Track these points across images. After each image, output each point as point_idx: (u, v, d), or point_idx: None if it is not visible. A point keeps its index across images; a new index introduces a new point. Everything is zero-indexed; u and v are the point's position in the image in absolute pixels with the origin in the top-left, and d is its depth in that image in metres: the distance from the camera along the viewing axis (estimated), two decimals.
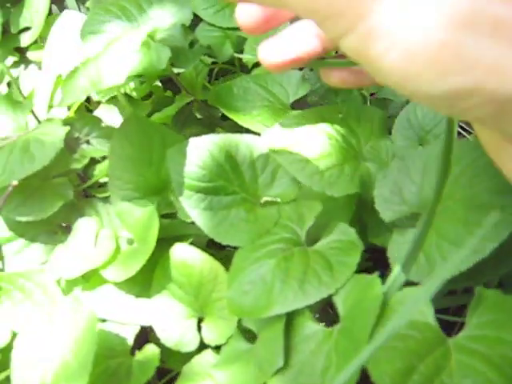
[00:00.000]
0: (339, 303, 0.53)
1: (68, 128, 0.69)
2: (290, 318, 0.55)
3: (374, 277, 0.52)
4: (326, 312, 0.63)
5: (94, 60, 0.66)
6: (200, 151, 0.61)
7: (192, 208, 0.61)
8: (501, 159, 0.36)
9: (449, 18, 0.26)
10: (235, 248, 0.60)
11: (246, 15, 0.38)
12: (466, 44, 0.26)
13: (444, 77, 0.27)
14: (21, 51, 1.01)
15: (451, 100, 0.28)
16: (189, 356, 0.63)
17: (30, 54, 0.96)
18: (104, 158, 0.78)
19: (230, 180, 0.61)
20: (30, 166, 0.65)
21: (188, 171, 0.61)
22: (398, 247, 0.55)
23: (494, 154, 0.36)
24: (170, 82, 0.92)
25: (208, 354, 0.63)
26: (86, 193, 0.76)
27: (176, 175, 0.61)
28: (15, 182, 0.64)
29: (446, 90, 0.28)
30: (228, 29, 0.90)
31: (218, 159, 0.61)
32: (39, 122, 0.76)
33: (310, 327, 0.54)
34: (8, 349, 0.62)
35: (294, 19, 0.40)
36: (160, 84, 0.91)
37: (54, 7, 1.02)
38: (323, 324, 0.54)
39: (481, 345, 0.46)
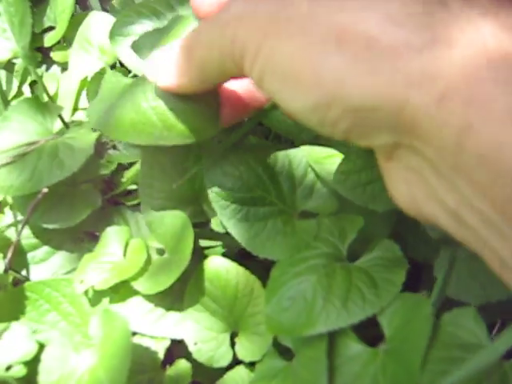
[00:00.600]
0: (384, 322, 0.51)
1: (98, 133, 0.67)
2: (332, 337, 0.53)
3: (423, 296, 0.50)
4: (367, 330, 0.61)
5: None
6: (237, 160, 0.59)
7: (227, 219, 0.59)
8: (390, 181, 0.37)
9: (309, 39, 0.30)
10: (266, 259, 0.58)
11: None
12: (319, 60, 0.30)
13: (305, 93, 0.31)
14: (43, 51, 0.99)
15: (316, 114, 0.31)
16: (221, 372, 0.62)
17: (53, 55, 0.94)
18: (131, 164, 0.76)
19: (268, 190, 0.59)
20: (59, 172, 0.63)
21: (224, 181, 0.59)
22: (444, 264, 0.53)
23: (386, 178, 0.38)
24: None
25: (241, 369, 0.61)
26: (114, 200, 0.74)
27: (211, 185, 0.59)
28: (45, 190, 0.62)
29: (308, 105, 0.31)
30: None
31: (255, 169, 0.59)
32: (65, 124, 0.74)
33: (354, 348, 0.52)
34: (35, 361, 0.60)
35: None
36: None
37: (77, 7, 1.00)
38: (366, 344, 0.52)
39: None
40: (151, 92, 0.50)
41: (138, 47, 0.62)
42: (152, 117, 0.50)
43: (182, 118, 0.50)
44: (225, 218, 0.59)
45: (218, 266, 0.61)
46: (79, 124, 0.71)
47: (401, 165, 0.35)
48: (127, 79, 0.57)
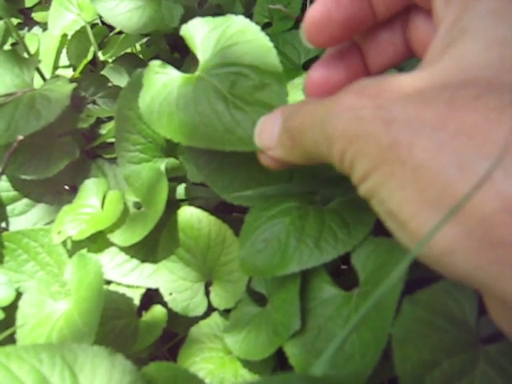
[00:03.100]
0: (359, 266, 0.52)
1: (74, 85, 0.67)
2: (306, 280, 0.54)
3: (396, 241, 0.51)
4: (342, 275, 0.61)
5: None
6: None
7: (201, 168, 0.59)
8: (495, 315, 0.33)
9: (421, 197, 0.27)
10: (244, 213, 0.59)
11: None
12: (427, 222, 0.27)
13: (411, 242, 0.30)
14: (24, 13, 0.98)
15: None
16: (196, 321, 0.62)
17: (34, 15, 0.94)
18: (110, 118, 0.76)
19: None
20: (35, 122, 0.64)
21: None
22: None
23: (491, 311, 0.33)
24: (176, 45, 0.90)
25: (216, 316, 0.62)
26: (93, 153, 0.74)
27: None
28: (21, 137, 0.62)
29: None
30: None
31: None
32: (43, 79, 0.74)
33: (328, 290, 0.52)
34: (12, 308, 0.61)
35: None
36: (167, 46, 0.89)
37: None
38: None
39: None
40: (214, 97, 0.51)
41: None
42: (214, 120, 0.51)
43: (243, 125, 0.51)
44: (199, 168, 0.59)
45: (191, 215, 0.62)
46: (57, 77, 0.71)
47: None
48: (177, 76, 0.56)
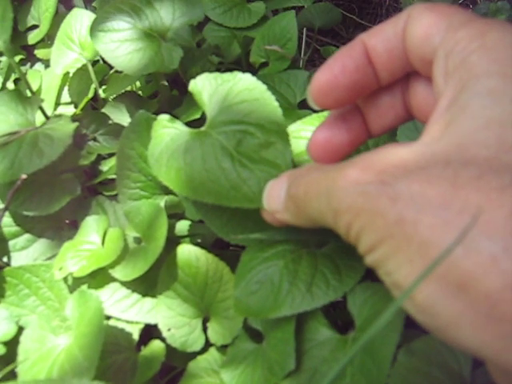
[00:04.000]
0: (354, 311, 0.53)
1: (77, 124, 0.69)
2: (303, 321, 0.55)
3: None
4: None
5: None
6: None
7: (200, 207, 0.61)
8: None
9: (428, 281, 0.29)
10: (242, 248, 0.60)
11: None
12: (434, 302, 0.29)
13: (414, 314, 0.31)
14: (27, 50, 1.01)
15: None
16: (194, 356, 0.64)
17: (37, 52, 0.96)
18: (111, 154, 0.78)
19: None
20: (38, 161, 0.65)
21: None
22: None
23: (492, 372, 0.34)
24: (176, 81, 0.92)
25: (213, 352, 0.63)
26: (93, 190, 0.76)
27: None
28: (24, 176, 0.64)
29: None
30: (235, 29, 0.90)
31: None
32: (46, 117, 0.76)
33: (324, 333, 0.54)
34: (14, 343, 0.62)
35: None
36: (166, 83, 0.91)
37: (61, 7, 1.02)
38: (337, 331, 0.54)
39: None
40: (220, 154, 0.53)
41: None
42: (221, 177, 0.53)
43: (248, 183, 0.52)
44: (197, 207, 0.61)
45: (189, 253, 0.63)
46: (60, 116, 0.73)
47: None
48: (185, 131, 0.58)
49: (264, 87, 0.56)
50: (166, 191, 0.68)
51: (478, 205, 0.27)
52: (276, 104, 0.54)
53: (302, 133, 0.63)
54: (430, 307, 0.29)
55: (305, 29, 1.00)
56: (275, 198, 0.45)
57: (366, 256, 0.33)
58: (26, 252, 0.73)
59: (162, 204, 0.65)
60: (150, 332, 0.67)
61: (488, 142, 0.29)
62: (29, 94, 0.79)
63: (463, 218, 0.27)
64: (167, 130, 0.58)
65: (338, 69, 0.41)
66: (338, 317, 0.63)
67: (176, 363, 0.67)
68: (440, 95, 0.35)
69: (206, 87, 0.58)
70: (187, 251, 0.63)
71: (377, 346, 0.49)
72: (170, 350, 0.64)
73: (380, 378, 0.47)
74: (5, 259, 0.73)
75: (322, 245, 0.57)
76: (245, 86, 0.56)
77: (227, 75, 0.58)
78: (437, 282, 0.28)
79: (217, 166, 0.53)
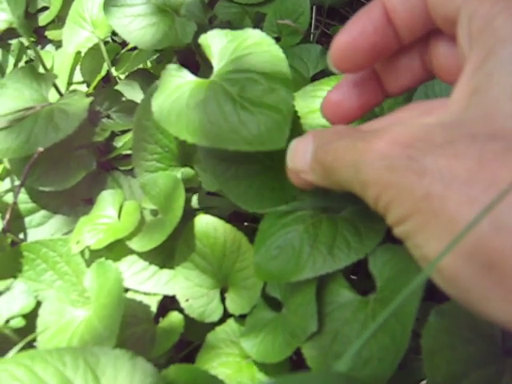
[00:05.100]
0: (376, 273, 0.53)
1: (91, 98, 0.69)
2: (323, 285, 0.55)
3: None
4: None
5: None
6: None
7: (217, 176, 0.61)
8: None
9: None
10: (256, 223, 0.60)
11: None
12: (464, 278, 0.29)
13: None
14: (37, 32, 1.01)
15: None
16: (212, 327, 0.63)
17: (47, 34, 0.96)
18: (124, 132, 0.78)
19: None
20: (54, 135, 0.66)
21: None
22: None
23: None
24: (187, 61, 0.92)
25: (232, 322, 0.63)
26: (108, 166, 0.76)
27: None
28: (41, 149, 0.64)
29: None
30: (247, 5, 0.90)
31: None
32: (60, 94, 0.76)
33: (345, 295, 0.54)
34: (32, 317, 0.62)
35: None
36: (177, 63, 0.91)
37: None
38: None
39: None
40: (223, 98, 0.54)
41: None
42: (220, 120, 0.53)
43: (248, 126, 0.52)
44: (215, 176, 0.61)
45: (207, 223, 0.63)
46: (74, 91, 0.73)
47: None
48: (191, 79, 0.58)
49: (272, 41, 0.56)
50: (183, 163, 0.68)
51: (505, 180, 0.27)
52: (283, 56, 0.55)
53: (318, 92, 0.63)
54: (459, 282, 0.29)
55: (314, 7, 0.99)
56: (300, 158, 0.44)
57: (395, 228, 0.33)
58: (42, 228, 0.73)
59: (179, 175, 0.65)
60: (168, 304, 0.67)
61: None
62: (43, 71, 0.79)
63: (490, 194, 0.27)
64: (174, 79, 0.58)
65: (357, 31, 0.41)
66: (358, 279, 0.63)
67: (193, 337, 0.67)
68: (465, 59, 0.35)
69: (216, 42, 0.58)
70: (205, 221, 0.63)
71: (400, 305, 0.49)
72: (187, 322, 0.63)
73: (404, 335, 0.47)
74: (21, 236, 0.73)
75: (341, 209, 0.57)
76: (254, 41, 0.57)
77: (238, 32, 0.58)
78: (465, 258, 0.28)
79: (218, 109, 0.53)
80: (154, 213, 0.67)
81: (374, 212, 0.57)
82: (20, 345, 0.57)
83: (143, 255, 0.65)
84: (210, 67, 0.59)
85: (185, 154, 0.67)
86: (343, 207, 0.57)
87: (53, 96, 0.76)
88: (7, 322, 0.61)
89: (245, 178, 0.61)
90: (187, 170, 0.67)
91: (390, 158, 0.32)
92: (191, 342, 0.68)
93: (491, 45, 0.32)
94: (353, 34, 0.41)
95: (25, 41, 0.97)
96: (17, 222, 0.73)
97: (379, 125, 0.43)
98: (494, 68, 0.31)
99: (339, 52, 0.42)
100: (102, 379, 0.47)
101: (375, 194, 0.33)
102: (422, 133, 0.31)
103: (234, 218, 0.70)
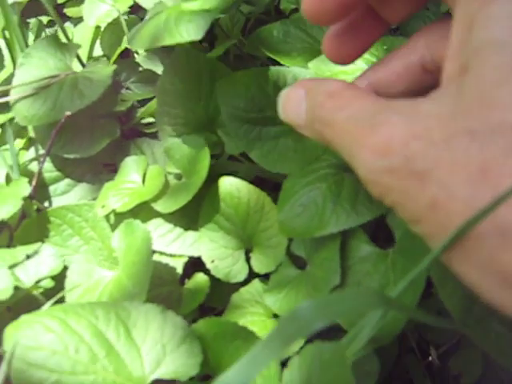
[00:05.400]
0: (394, 225, 0.55)
1: (115, 66, 0.70)
2: (345, 241, 0.56)
3: None
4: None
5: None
6: (249, 82, 0.62)
7: (241, 138, 0.62)
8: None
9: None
10: (276, 190, 0.61)
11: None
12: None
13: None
14: (57, 9, 1.01)
15: None
16: (236, 289, 0.65)
17: (66, 11, 0.97)
18: (144, 103, 0.79)
19: None
20: (79, 101, 0.67)
21: (237, 102, 0.62)
22: None
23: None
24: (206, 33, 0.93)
25: (256, 283, 0.64)
26: (131, 134, 0.77)
27: (225, 106, 0.62)
28: (68, 113, 0.65)
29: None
30: None
31: (267, 90, 0.62)
32: (82, 64, 0.77)
33: (365, 249, 0.55)
34: (60, 279, 0.63)
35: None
36: None
37: None
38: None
39: None
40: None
41: None
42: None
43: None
44: (239, 138, 0.62)
45: (230, 185, 0.65)
46: (97, 60, 0.74)
47: None
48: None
49: None
50: (206, 128, 0.69)
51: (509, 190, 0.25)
52: None
53: None
54: (477, 291, 0.28)
55: None
56: (294, 112, 0.40)
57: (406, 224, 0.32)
58: (67, 196, 0.75)
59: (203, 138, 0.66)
60: (193, 267, 0.68)
61: None
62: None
63: (497, 208, 0.26)
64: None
65: None
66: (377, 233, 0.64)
67: (216, 303, 0.68)
68: (452, 21, 0.32)
69: None
70: (229, 183, 0.64)
71: (417, 251, 0.51)
72: (213, 282, 0.64)
73: (420, 278, 0.48)
74: (46, 204, 0.74)
75: None
76: None
77: None
78: (479, 269, 0.27)
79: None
80: (178, 177, 0.68)
81: None
82: (49, 303, 0.59)
83: (168, 218, 0.66)
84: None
85: (208, 119, 0.68)
86: None
87: (76, 67, 0.77)
88: (37, 282, 0.62)
89: (268, 139, 0.62)
90: (210, 136, 0.68)
91: (388, 157, 0.30)
92: (214, 308, 0.69)
93: (476, 6, 0.29)
94: None
95: (43, 19, 0.98)
96: (42, 190, 0.74)
97: (375, 78, 0.41)
98: (481, 40, 0.28)
99: (310, 6, 0.39)
100: (134, 331, 0.49)
101: (377, 192, 0.32)
102: (419, 128, 0.29)
103: (256, 184, 0.71)
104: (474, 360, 0.65)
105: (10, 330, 0.46)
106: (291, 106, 0.40)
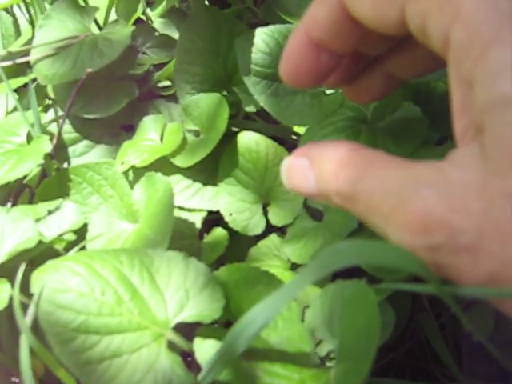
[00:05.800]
0: None
1: (133, 27, 0.71)
2: None
3: None
4: None
5: None
6: (267, 39, 0.64)
7: (259, 94, 0.63)
8: None
9: None
10: (295, 145, 0.62)
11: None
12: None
13: None
14: None
15: None
16: (254, 243, 0.66)
17: None
18: (160, 68, 0.80)
19: None
20: (99, 60, 0.68)
21: (255, 58, 0.63)
22: None
23: None
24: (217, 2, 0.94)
25: (273, 237, 0.65)
26: (148, 97, 0.78)
27: (243, 62, 0.64)
28: (89, 70, 0.66)
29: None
30: None
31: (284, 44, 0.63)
32: (99, 28, 0.79)
33: None
34: (82, 234, 0.64)
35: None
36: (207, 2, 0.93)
37: None
38: None
39: None
40: None
41: None
42: None
43: None
44: (257, 94, 0.63)
45: (249, 139, 0.66)
46: (116, 22, 0.75)
47: None
48: None
49: None
50: (224, 85, 0.70)
51: None
52: None
53: None
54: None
55: None
56: (301, 184, 0.37)
57: None
58: (85, 157, 0.76)
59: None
60: (212, 223, 0.69)
61: None
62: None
63: None
64: None
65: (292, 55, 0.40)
66: None
67: (234, 258, 0.69)
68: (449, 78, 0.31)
69: None
70: (247, 137, 0.65)
71: None
72: (231, 236, 0.66)
73: None
74: (65, 165, 0.75)
75: (378, 121, 0.59)
76: None
77: None
78: None
79: None
80: (196, 134, 0.69)
81: (411, 121, 0.59)
82: (71, 252, 0.60)
83: (187, 173, 0.67)
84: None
85: (227, 75, 0.69)
86: (379, 117, 0.60)
87: (94, 30, 0.78)
88: (59, 236, 0.63)
89: (285, 95, 0.63)
90: (227, 96, 0.70)
91: (430, 236, 0.28)
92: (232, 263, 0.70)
93: (471, 64, 0.28)
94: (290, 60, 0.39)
95: None
96: (61, 151, 0.75)
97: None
98: (489, 99, 0.27)
99: (287, 72, 0.40)
100: (157, 277, 0.50)
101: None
102: (455, 200, 0.27)
103: (275, 139, 0.72)
104: (485, 316, 0.66)
105: (37, 274, 0.47)
106: (297, 176, 0.37)
